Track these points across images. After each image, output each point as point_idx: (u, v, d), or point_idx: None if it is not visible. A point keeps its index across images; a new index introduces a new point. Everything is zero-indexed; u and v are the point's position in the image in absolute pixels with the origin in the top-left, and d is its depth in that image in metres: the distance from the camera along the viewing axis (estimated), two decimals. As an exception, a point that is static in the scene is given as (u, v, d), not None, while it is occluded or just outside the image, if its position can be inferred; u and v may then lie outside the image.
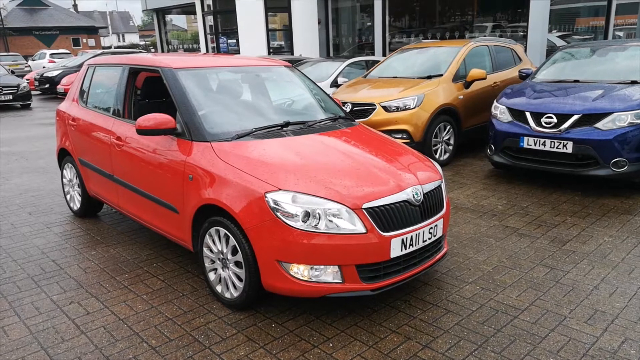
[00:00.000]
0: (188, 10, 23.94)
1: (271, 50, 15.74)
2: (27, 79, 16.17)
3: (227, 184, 2.88)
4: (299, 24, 14.93)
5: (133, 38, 68.78)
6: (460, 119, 6.71)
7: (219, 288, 3.09)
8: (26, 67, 25.14)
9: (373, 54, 13.49)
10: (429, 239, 2.98)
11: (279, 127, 3.37)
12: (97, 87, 4.42)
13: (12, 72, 16.23)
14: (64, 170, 4.85)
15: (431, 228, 2.97)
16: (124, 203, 3.93)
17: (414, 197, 2.88)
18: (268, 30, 15.27)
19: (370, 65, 9.59)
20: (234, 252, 2.91)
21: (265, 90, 3.98)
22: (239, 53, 15.58)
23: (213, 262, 3.11)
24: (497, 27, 12.32)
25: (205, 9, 17.15)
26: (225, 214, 2.91)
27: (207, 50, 17.39)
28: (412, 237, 2.84)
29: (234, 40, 16.18)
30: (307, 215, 2.65)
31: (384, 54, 13.46)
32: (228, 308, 3.04)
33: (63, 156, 4.83)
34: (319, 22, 14.86)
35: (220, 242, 2.99)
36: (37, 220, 4.69)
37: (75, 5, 60.65)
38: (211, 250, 3.09)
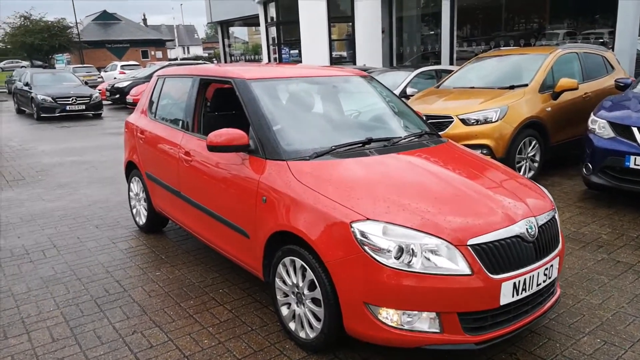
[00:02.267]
0: (250, 22, 24.35)
1: (332, 60, 15.53)
2: (99, 90, 16.88)
3: (306, 209, 2.54)
4: (362, 33, 14.62)
5: (197, 50, 71.46)
6: (548, 133, 6.07)
7: (292, 325, 2.75)
8: (99, 78, 26.47)
9: (437, 64, 12.92)
10: (544, 281, 2.49)
11: (361, 145, 3.00)
12: (166, 99, 4.26)
13: (86, 83, 17.01)
14: (131, 184, 4.73)
15: (546, 269, 2.48)
16: (190, 222, 3.70)
17: (527, 231, 2.41)
18: (331, 40, 15.06)
19: (439, 74, 9.08)
20: (312, 287, 2.55)
21: (344, 103, 3.63)
22: (301, 63, 15.48)
23: (286, 295, 2.78)
24: (571, 34, 11.41)
25: (269, 21, 17.25)
26: (302, 243, 2.57)
27: (269, 61, 17.46)
28: (525, 280, 2.37)
29: (296, 51, 16.12)
30: (400, 250, 2.25)
31: (450, 63, 12.86)
32: (302, 349, 2.68)
33: (130, 169, 4.71)
34: (383, 32, 14.48)
35: (296, 274, 2.66)
36: (103, 235, 4.58)
37: (144, 20, 64.03)
38: (285, 282, 2.76)
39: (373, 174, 2.70)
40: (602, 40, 10.64)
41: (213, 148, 2.94)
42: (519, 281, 2.34)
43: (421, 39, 14.80)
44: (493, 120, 5.66)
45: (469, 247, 2.25)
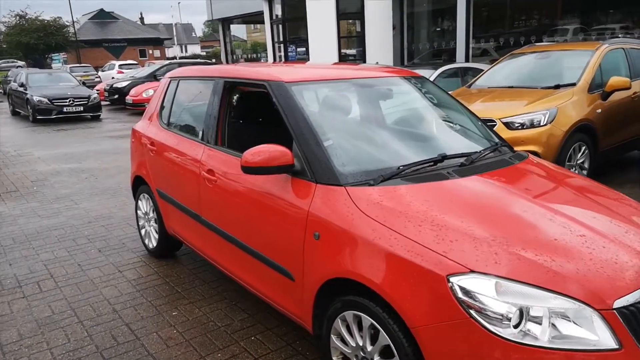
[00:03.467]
0: (250, 20, 23.69)
1: (341, 58, 14.92)
2: (97, 90, 16.22)
3: (378, 252, 1.94)
4: (373, 30, 14.00)
5: (195, 49, 70.65)
6: (598, 137, 5.48)
7: (355, 397, 2.16)
8: (96, 78, 25.75)
9: (451, 61, 12.32)
10: (694, 347, 1.90)
11: (433, 163, 2.40)
12: (182, 105, 3.65)
13: (83, 83, 16.34)
14: (139, 202, 4.12)
15: (696, 331, 1.89)
16: (214, 253, 3.09)
17: (680, 284, 1.81)
18: (340, 37, 14.44)
19: (464, 72, 8.49)
20: (386, 354, 1.96)
21: (404, 110, 3.04)
22: (309, 61, 14.86)
23: (346, 358, 2.18)
24: (582, 31, 10.89)
25: (274, 18, 16.62)
26: (371, 295, 1.97)
27: (275, 59, 16.84)
28: (679, 350, 1.78)
29: (303, 49, 15.50)
30: (520, 316, 1.66)
31: (466, 60, 12.30)
32: None
33: (138, 184, 4.10)
34: (394, 28, 13.87)
35: (362, 334, 2.06)
36: (108, 261, 3.97)
37: (142, 18, 63.40)
38: (344, 342, 2.16)
39: (461, 204, 2.10)
40: (621, 35, 10.09)
41: (249, 169, 2.33)
42: (673, 353, 1.76)
43: (432, 35, 14.21)
44: (542, 124, 5.07)
45: (615, 312, 1.66)
